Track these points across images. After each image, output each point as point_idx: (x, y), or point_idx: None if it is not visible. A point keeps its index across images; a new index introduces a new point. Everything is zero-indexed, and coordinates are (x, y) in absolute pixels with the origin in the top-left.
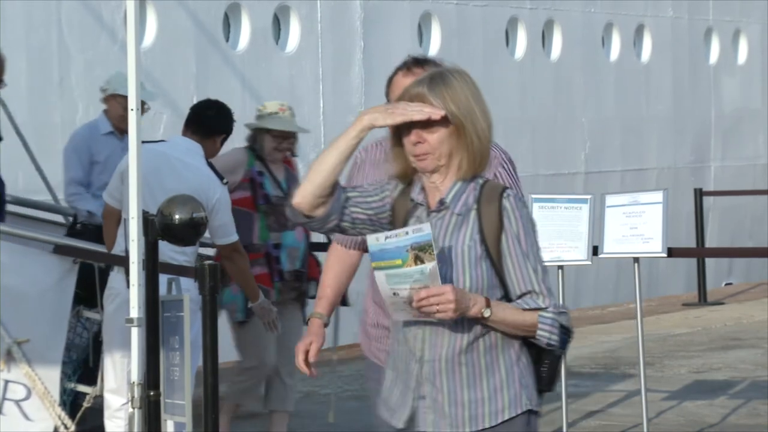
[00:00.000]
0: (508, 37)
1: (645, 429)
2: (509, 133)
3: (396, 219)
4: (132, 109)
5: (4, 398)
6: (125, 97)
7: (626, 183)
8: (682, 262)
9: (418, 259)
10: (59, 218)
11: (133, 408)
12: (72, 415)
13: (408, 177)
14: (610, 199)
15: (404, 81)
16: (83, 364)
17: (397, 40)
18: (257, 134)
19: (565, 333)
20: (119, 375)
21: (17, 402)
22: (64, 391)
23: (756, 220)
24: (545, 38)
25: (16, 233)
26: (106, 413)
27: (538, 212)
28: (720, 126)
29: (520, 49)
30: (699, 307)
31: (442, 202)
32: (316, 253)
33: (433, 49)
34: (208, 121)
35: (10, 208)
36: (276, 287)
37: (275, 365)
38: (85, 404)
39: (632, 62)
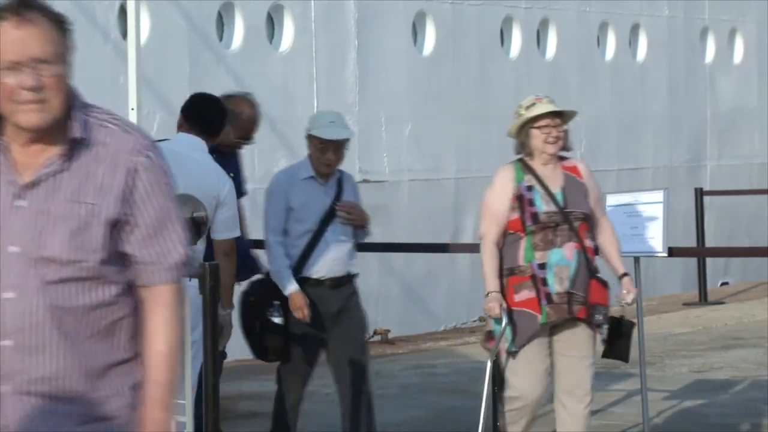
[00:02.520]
0: (503, 37)
1: (645, 428)
2: (506, 132)
3: None
4: (132, 109)
5: None
6: (319, 139)
7: (622, 182)
8: (680, 261)
9: None
10: None
11: None
12: None
13: None
14: (610, 199)
15: (15, 33)
16: None
17: (391, 40)
18: (521, 137)
19: None
20: None
21: None
22: None
23: (753, 219)
24: (540, 37)
25: None
26: None
27: None
28: (716, 125)
29: (515, 48)
30: (700, 307)
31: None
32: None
33: (428, 49)
34: (210, 116)
35: None
36: (544, 312)
37: (540, 399)
38: None
39: (628, 61)
